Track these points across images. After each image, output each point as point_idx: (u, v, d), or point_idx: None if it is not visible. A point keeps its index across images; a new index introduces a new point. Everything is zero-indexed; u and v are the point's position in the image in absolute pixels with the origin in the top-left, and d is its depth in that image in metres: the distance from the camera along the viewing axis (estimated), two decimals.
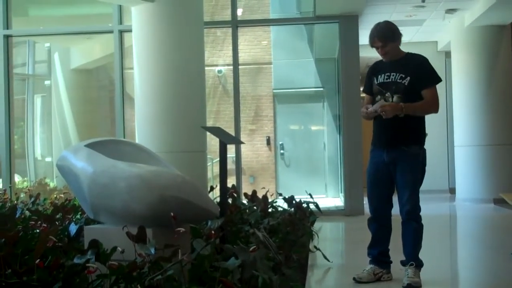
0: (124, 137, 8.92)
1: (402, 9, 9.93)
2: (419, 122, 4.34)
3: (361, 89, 9.74)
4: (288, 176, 12.24)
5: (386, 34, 4.33)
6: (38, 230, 4.26)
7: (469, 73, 10.66)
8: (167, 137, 6.79)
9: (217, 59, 12.60)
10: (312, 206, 6.76)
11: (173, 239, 3.15)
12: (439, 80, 4.32)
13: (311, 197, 6.81)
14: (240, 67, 9.70)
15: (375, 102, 4.38)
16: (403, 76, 4.27)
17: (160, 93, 6.83)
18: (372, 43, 4.37)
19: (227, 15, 9.88)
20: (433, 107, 4.31)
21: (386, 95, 4.31)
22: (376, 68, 4.49)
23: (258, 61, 12.84)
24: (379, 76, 4.38)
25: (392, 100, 4.28)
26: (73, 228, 4.14)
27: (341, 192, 10.24)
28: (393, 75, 4.31)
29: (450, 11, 10.18)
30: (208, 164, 9.42)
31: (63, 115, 11.93)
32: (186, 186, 3.43)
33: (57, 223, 4.74)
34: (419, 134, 4.34)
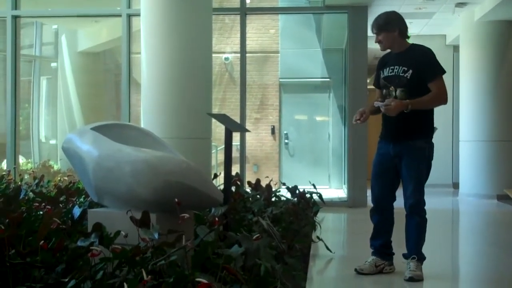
0: (129, 122, 8.91)
1: (412, 1, 9.87)
2: (426, 116, 4.29)
3: (368, 80, 9.74)
4: (292, 166, 12.25)
5: (380, 23, 4.30)
6: (41, 212, 4.27)
7: (477, 68, 10.62)
8: (173, 123, 6.78)
9: (224, 46, 12.57)
10: (315, 196, 6.76)
11: (177, 224, 3.16)
12: (443, 71, 4.26)
13: (315, 187, 6.82)
14: (247, 55, 9.66)
15: (382, 96, 4.35)
16: (405, 69, 4.23)
17: (167, 79, 6.81)
18: (372, 32, 4.38)
19: (236, 2, 9.84)
20: (441, 100, 4.25)
21: (390, 89, 4.29)
22: (383, 62, 4.47)
23: (265, 49, 12.81)
24: (385, 70, 4.36)
25: (396, 94, 4.26)
26: (76, 211, 4.15)
27: (344, 184, 10.23)
28: (396, 68, 4.27)
29: (460, 5, 10.12)
30: (213, 151, 9.42)
31: (68, 98, 11.94)
32: (191, 172, 3.43)
33: (61, 205, 4.76)
34: (426, 128, 4.31)
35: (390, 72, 4.31)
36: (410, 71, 4.22)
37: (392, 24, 4.30)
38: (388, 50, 4.43)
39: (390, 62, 4.35)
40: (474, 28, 10.67)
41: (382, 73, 4.39)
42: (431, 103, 4.24)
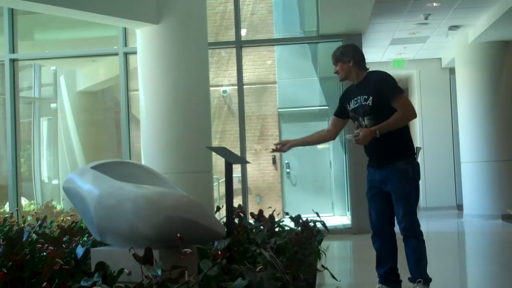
0: (130, 159, 8.93)
1: (405, 26, 9.98)
2: (402, 137, 4.30)
3: None
4: (295, 195, 12.22)
5: (336, 54, 4.45)
6: (45, 253, 4.25)
7: (473, 89, 10.67)
8: (173, 158, 6.79)
9: (222, 79, 12.65)
10: (319, 224, 6.73)
11: (180, 260, 3.15)
12: (400, 90, 4.27)
13: (318, 215, 6.79)
14: (245, 86, 9.73)
15: (339, 123, 4.65)
16: (366, 97, 4.30)
17: (166, 114, 6.85)
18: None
19: (231, 36, 9.95)
20: (408, 116, 4.25)
21: (360, 119, 4.37)
22: (347, 94, 4.56)
23: (263, 80, 12.89)
24: (351, 103, 4.44)
25: (365, 124, 4.31)
26: (80, 251, 4.13)
27: (348, 210, 10.20)
28: (359, 99, 4.35)
29: (453, 27, 10.22)
30: (215, 184, 9.41)
31: (69, 138, 11.97)
32: (192, 206, 3.43)
33: (64, 245, 4.74)
34: (405, 149, 4.32)
35: (355, 104, 4.40)
36: (371, 98, 4.27)
37: (347, 55, 4.40)
38: (351, 83, 4.52)
39: (353, 94, 4.44)
40: (469, 50, 10.75)
41: (349, 106, 4.46)
42: (398, 122, 4.24)
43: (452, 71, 12.34)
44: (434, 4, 8.88)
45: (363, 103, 4.30)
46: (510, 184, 10.32)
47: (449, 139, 12.59)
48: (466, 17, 9.70)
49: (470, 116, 10.75)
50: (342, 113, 4.60)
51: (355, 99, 4.38)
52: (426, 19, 9.52)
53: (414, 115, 4.27)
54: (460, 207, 11.87)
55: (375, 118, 4.24)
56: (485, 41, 10.36)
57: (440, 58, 12.90)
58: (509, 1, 8.44)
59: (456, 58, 11.32)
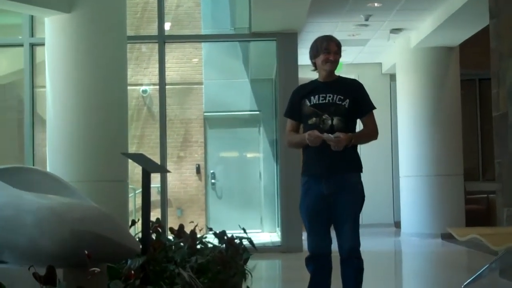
0: (33, 164, 8.72)
1: (344, 27, 10.18)
2: (356, 151, 4.43)
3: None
4: (220, 209, 12.22)
5: (339, 43, 4.46)
6: None
7: (415, 98, 10.94)
8: (83, 165, 6.68)
9: (142, 78, 12.55)
10: (246, 242, 6.74)
11: (87, 280, 3.08)
12: (374, 107, 4.45)
13: (245, 232, 6.80)
14: (167, 87, 9.68)
15: (308, 126, 4.40)
16: (342, 98, 4.34)
17: (76, 115, 6.73)
18: (331, 47, 4.44)
19: (153, 29, 9.88)
20: (375, 135, 4.44)
21: (324, 117, 4.34)
22: (305, 90, 4.52)
23: (188, 80, 12.86)
24: (312, 98, 4.40)
25: (332, 123, 4.31)
26: None
27: (278, 227, 10.28)
28: (329, 96, 4.36)
29: (395, 31, 10.50)
30: (130, 195, 9.29)
31: None
32: (103, 219, 3.38)
33: None
34: (359, 161, 4.42)
35: (322, 100, 4.37)
36: (348, 100, 4.32)
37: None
38: (305, 82, 4.56)
39: (318, 90, 4.40)
40: (411, 55, 11.05)
41: (308, 101, 4.41)
42: (367, 138, 4.42)
43: (392, 77, 12.64)
44: (376, 4, 9.09)
45: (337, 102, 4.32)
46: (451, 200, 10.58)
47: (388, 150, 12.90)
48: (409, 20, 9.99)
49: (410, 126, 11.01)
50: (297, 114, 4.51)
51: (322, 95, 4.37)
52: (366, 20, 9.75)
53: (377, 137, 4.44)
54: (398, 224, 12.15)
55: (345, 122, 4.29)
56: (429, 46, 10.67)
57: (381, 63, 13.21)
58: (454, 5, 8.75)
59: (397, 64, 11.61)
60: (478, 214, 11.28)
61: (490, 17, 6.36)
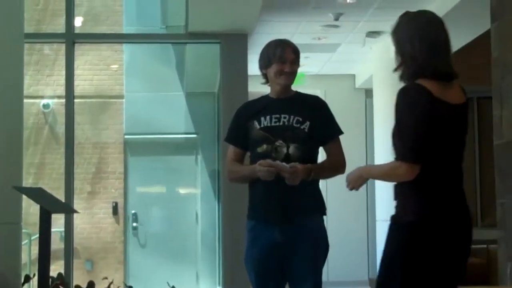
0: None
1: (308, 28, 10.21)
2: (318, 188, 4.43)
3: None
4: (143, 261, 12.12)
5: (297, 50, 4.53)
6: None
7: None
8: None
9: (43, 88, 12.43)
10: None
11: None
12: (341, 132, 4.47)
13: None
14: (76, 100, 9.59)
15: (257, 155, 4.37)
16: (300, 120, 4.34)
17: None
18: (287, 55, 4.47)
19: (60, 26, 9.81)
20: (343, 168, 4.41)
21: (277, 143, 4.32)
22: (253, 108, 4.52)
23: (104, 93, 12.79)
24: (263, 119, 4.39)
25: (288, 151, 4.31)
26: None
27: (219, 285, 10.24)
28: (285, 118, 4.36)
29: (372, 34, 10.60)
30: (24, 242, 9.14)
31: None
32: None
33: None
34: (322, 201, 4.43)
35: (275, 122, 4.37)
36: (308, 123, 4.33)
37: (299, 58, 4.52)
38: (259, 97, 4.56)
39: (270, 110, 4.41)
40: (391, 65, 11.13)
41: (257, 123, 4.40)
42: (332, 171, 4.42)
43: (368, 93, 12.75)
44: (348, 0, 9.11)
45: (294, 125, 4.33)
46: None
47: (362, 189, 12.97)
48: (389, 20, 9.90)
49: (390, 154, 11.11)
50: (242, 140, 4.50)
51: (276, 116, 4.37)
52: (336, 19, 9.78)
53: (344, 170, 4.34)
54: (372, 282, 12.21)
55: (303, 150, 4.30)
56: None
57: (354, 75, 13.33)
58: (446, 3, 8.89)
59: (374, 76, 11.73)
60: (477, 268, 11.39)
61: (492, 19, 6.41)
